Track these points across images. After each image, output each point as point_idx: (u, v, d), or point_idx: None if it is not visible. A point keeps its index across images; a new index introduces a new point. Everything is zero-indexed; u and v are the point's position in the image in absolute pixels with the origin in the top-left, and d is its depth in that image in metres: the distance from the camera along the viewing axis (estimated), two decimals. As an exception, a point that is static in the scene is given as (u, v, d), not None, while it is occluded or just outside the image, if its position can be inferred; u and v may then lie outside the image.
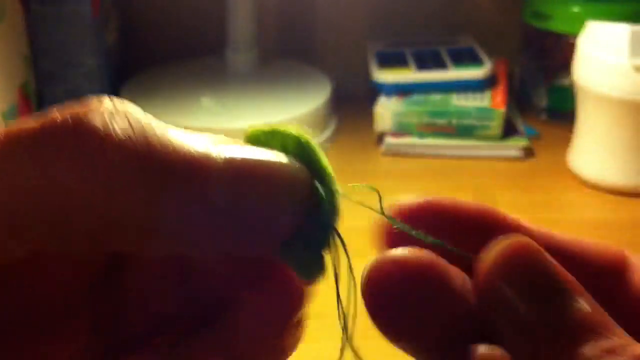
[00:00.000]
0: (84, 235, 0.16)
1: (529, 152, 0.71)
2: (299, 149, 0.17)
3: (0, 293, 0.17)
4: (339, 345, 0.50)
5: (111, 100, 0.16)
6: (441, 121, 0.71)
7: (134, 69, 0.79)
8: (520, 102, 0.79)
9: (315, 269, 0.18)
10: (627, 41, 0.61)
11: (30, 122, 0.16)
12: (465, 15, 0.86)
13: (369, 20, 0.85)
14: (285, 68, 0.79)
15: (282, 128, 0.17)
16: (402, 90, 0.73)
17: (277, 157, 0.17)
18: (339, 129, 0.75)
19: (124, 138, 0.16)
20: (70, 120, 0.16)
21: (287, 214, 0.17)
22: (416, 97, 0.73)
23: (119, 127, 0.16)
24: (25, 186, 0.15)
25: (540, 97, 0.78)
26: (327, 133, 0.73)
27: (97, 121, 0.16)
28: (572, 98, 0.68)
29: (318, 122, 0.72)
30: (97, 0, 0.71)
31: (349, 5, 0.84)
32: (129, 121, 0.16)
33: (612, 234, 0.59)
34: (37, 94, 0.73)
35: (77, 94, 0.72)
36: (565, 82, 0.74)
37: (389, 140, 0.71)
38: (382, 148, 0.72)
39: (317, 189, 0.17)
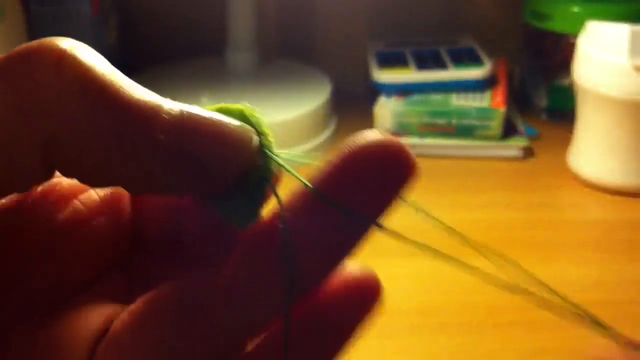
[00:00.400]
0: (31, 148, 0.17)
1: (529, 152, 0.71)
2: (244, 120, 0.19)
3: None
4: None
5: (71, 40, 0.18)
6: (441, 121, 0.71)
7: (134, 68, 0.79)
8: (520, 102, 0.79)
9: (249, 219, 0.19)
10: (627, 41, 0.61)
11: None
12: (465, 15, 0.86)
13: (369, 20, 0.85)
14: (285, 68, 0.79)
15: (226, 105, 0.19)
16: (402, 90, 0.73)
17: (226, 118, 0.19)
18: (339, 129, 0.75)
19: (83, 60, 0.17)
20: (36, 42, 0.17)
21: (232, 163, 0.18)
22: (416, 97, 0.73)
23: (81, 52, 0.17)
24: None
25: (540, 97, 0.78)
26: (327, 133, 0.73)
27: (60, 42, 0.17)
28: (572, 98, 0.68)
29: (318, 122, 0.72)
30: None
31: (349, 5, 0.84)
32: (93, 54, 0.17)
33: (611, 234, 0.59)
34: (37, 94, 0.72)
35: (77, 93, 0.72)
36: (565, 82, 0.74)
37: (389, 140, 0.71)
38: (382, 148, 0.72)
39: (259, 149, 0.19)
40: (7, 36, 0.65)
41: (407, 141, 0.71)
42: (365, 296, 0.20)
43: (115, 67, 0.18)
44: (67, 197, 0.20)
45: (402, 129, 0.72)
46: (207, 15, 0.82)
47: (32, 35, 0.70)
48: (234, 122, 0.19)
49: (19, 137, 0.17)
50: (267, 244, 0.18)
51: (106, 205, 0.20)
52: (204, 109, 0.19)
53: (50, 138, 0.17)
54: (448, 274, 0.55)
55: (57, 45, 0.17)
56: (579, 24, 0.67)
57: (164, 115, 0.17)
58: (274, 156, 0.19)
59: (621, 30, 0.62)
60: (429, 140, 0.71)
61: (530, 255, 0.56)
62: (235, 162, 0.18)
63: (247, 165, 0.19)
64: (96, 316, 0.19)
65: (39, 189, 0.20)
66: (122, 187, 0.18)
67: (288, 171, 0.19)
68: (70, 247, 0.20)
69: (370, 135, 0.18)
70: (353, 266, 0.20)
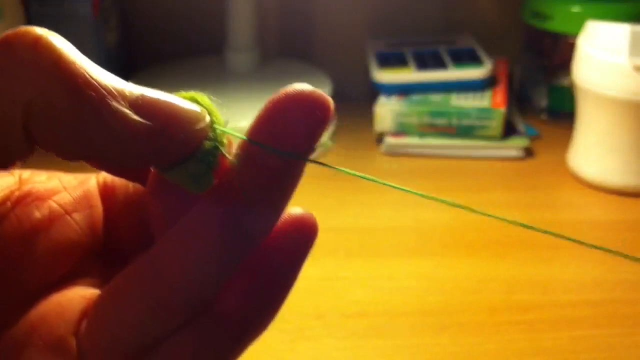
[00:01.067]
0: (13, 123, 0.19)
1: (529, 152, 0.71)
2: (196, 103, 0.22)
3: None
4: (339, 345, 0.50)
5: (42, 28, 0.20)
6: (441, 121, 0.71)
7: (134, 69, 0.79)
8: (520, 102, 0.79)
9: (206, 183, 0.21)
10: (627, 41, 0.61)
11: None
12: (465, 15, 0.86)
13: (369, 20, 0.85)
14: (285, 68, 0.79)
15: (182, 93, 0.22)
16: (402, 90, 0.73)
17: (182, 100, 0.21)
18: (339, 129, 0.75)
19: (57, 44, 0.19)
20: (13, 29, 0.19)
21: (187, 137, 0.20)
22: (416, 97, 0.73)
23: (55, 38, 0.19)
24: None
25: (540, 97, 0.78)
26: (327, 133, 0.73)
27: (36, 29, 0.19)
28: (572, 98, 0.68)
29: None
30: (97, 0, 0.71)
31: (349, 5, 0.84)
32: (65, 42, 0.20)
33: (612, 234, 0.59)
34: (37, 94, 0.73)
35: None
36: (565, 82, 0.74)
37: (389, 140, 0.71)
38: (382, 148, 0.72)
39: (210, 125, 0.22)
40: (7, 36, 0.65)
41: (407, 141, 0.71)
42: (305, 231, 0.23)
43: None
44: (42, 198, 0.22)
45: (402, 129, 0.72)
46: (207, 15, 0.82)
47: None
48: (188, 103, 0.21)
49: (2, 103, 0.19)
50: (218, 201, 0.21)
51: (79, 202, 0.23)
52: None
53: (28, 104, 0.19)
54: (448, 274, 0.55)
55: (34, 30, 0.19)
56: (579, 24, 0.67)
57: (125, 94, 0.20)
58: (222, 128, 0.22)
59: (621, 30, 0.62)
60: (429, 141, 0.71)
61: (530, 255, 0.56)
62: (190, 136, 0.20)
63: (200, 138, 0.21)
64: (78, 298, 0.21)
65: (16, 193, 0.22)
66: (91, 161, 0.20)
67: (235, 136, 0.22)
68: (48, 241, 0.22)
69: (293, 86, 0.21)
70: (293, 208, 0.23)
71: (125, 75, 0.19)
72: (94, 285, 0.22)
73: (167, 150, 0.20)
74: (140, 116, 0.19)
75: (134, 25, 0.83)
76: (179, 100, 0.21)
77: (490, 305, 0.50)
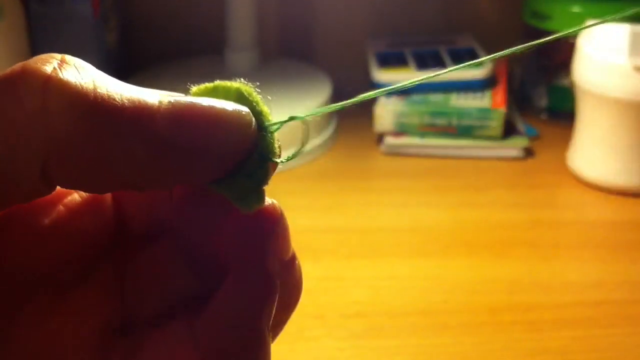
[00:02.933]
0: (28, 164, 0.17)
1: (528, 152, 0.71)
2: (241, 99, 0.19)
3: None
4: (339, 345, 0.50)
5: (62, 55, 0.18)
6: (441, 121, 0.71)
7: (134, 69, 0.79)
8: (520, 102, 0.79)
9: (254, 201, 0.20)
10: (627, 41, 0.61)
11: None
12: (465, 15, 0.86)
13: (369, 20, 0.85)
14: (285, 68, 0.79)
15: (223, 83, 0.20)
16: (402, 90, 0.73)
17: (220, 102, 0.19)
18: (339, 129, 0.75)
19: (70, 81, 0.17)
20: (19, 67, 0.17)
21: (230, 148, 0.19)
22: (416, 97, 0.72)
23: (66, 73, 0.17)
24: None
25: (540, 97, 0.78)
26: (327, 133, 0.73)
27: (44, 66, 0.17)
28: (572, 98, 0.68)
29: (318, 122, 0.72)
30: (97, 0, 0.71)
31: (349, 5, 0.84)
32: (77, 70, 0.18)
33: (612, 234, 0.59)
34: (37, 94, 0.72)
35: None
36: (565, 82, 0.74)
37: (389, 140, 0.71)
38: (382, 148, 0.72)
39: (257, 129, 0.19)
40: (7, 36, 0.65)
41: (407, 141, 0.71)
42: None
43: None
44: (53, 202, 0.21)
45: (402, 129, 0.72)
46: (207, 15, 0.82)
47: (32, 36, 0.70)
48: (229, 106, 0.19)
49: (16, 162, 0.17)
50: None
51: (89, 205, 0.21)
52: (200, 90, 0.19)
53: (45, 160, 0.17)
54: (448, 274, 0.55)
55: (41, 69, 0.17)
56: (578, 24, 0.67)
57: (155, 108, 0.18)
58: (272, 135, 0.19)
59: (621, 30, 0.62)
60: (429, 141, 0.71)
61: (530, 255, 0.56)
62: (234, 147, 0.19)
63: (246, 148, 0.19)
64: (93, 307, 0.21)
65: None
66: (127, 189, 0.19)
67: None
68: (59, 245, 0.21)
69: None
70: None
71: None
72: (105, 288, 0.21)
73: (207, 168, 0.19)
74: (176, 131, 0.18)
75: (134, 25, 0.83)
76: (218, 103, 0.19)
77: (491, 305, 0.50)
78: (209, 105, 0.19)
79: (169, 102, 0.18)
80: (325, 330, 0.48)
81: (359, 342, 0.47)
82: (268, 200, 0.20)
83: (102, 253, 0.22)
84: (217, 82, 0.20)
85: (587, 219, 0.62)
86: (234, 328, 0.20)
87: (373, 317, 0.49)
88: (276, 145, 0.20)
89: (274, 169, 0.20)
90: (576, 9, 0.73)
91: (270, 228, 0.20)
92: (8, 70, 0.18)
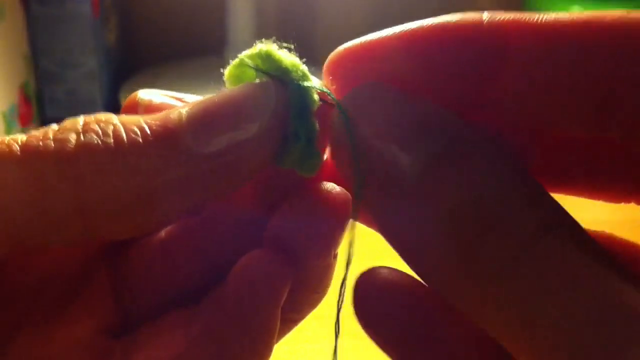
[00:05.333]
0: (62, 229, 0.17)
1: (529, 152, 0.71)
2: (265, 61, 0.19)
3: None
4: (339, 344, 0.50)
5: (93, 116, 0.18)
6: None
7: (134, 69, 0.79)
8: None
9: (313, 160, 0.19)
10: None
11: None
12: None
13: (369, 19, 0.85)
14: (286, 68, 0.79)
15: (244, 56, 0.19)
16: (402, 91, 0.73)
17: (231, 90, 0.18)
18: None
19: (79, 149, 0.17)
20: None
21: (263, 129, 0.18)
22: (416, 97, 0.72)
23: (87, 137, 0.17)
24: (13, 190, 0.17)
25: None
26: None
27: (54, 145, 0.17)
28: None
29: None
30: (97, 0, 0.71)
31: (348, 5, 0.84)
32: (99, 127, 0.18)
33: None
34: (37, 94, 0.73)
35: (77, 93, 0.72)
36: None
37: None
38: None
39: (288, 90, 0.19)
40: (7, 36, 0.65)
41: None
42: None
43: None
44: None
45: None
46: (207, 15, 0.82)
47: (32, 35, 0.70)
48: (243, 90, 0.18)
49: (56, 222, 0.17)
50: None
51: None
52: (229, 71, 0.19)
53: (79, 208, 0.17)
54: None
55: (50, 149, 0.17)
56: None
57: (176, 124, 0.18)
58: (304, 87, 0.19)
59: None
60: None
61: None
62: (268, 123, 0.18)
63: (281, 117, 0.18)
64: (89, 311, 0.21)
65: None
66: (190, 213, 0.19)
67: (323, 91, 0.19)
68: (51, 258, 0.21)
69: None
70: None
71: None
72: (100, 282, 0.21)
73: (250, 158, 0.18)
74: (206, 138, 0.18)
75: (134, 25, 0.83)
76: (231, 91, 0.18)
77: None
78: (223, 99, 0.18)
79: (186, 114, 0.18)
80: (325, 331, 0.48)
81: (359, 342, 0.47)
82: (338, 190, 0.20)
83: (94, 256, 0.22)
84: (240, 57, 0.19)
85: (587, 220, 0.62)
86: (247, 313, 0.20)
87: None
88: (313, 95, 0.19)
89: (326, 121, 0.19)
90: (576, 9, 0.73)
91: (343, 216, 0.20)
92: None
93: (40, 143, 0.17)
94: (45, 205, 0.17)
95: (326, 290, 0.22)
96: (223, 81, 0.20)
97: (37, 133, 0.18)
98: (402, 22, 0.21)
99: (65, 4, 0.70)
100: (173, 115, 0.18)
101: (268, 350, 0.20)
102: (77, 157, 0.17)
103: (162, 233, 0.22)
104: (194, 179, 0.18)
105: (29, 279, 0.20)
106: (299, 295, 0.22)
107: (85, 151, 0.17)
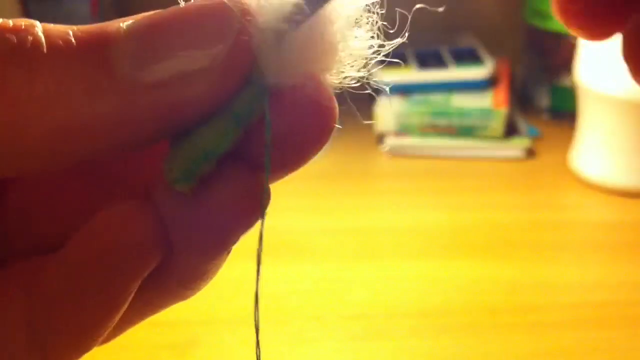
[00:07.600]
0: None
1: (530, 152, 0.71)
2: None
3: None
4: (338, 346, 0.50)
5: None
6: (442, 121, 0.71)
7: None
8: (521, 102, 0.79)
9: (203, 170, 0.16)
10: (629, 41, 0.61)
11: None
12: (466, 15, 0.85)
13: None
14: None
15: None
16: (403, 90, 0.73)
17: (187, 4, 0.15)
18: (339, 129, 0.74)
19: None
20: None
21: (218, 62, 0.15)
22: (417, 97, 0.72)
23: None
24: None
25: (542, 97, 0.77)
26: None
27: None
28: (573, 98, 0.68)
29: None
30: (96, 0, 0.71)
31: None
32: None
33: (613, 235, 0.59)
34: (36, 94, 0.72)
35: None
36: (567, 82, 0.74)
37: (390, 140, 0.71)
38: (383, 148, 0.71)
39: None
40: (5, 36, 0.65)
41: (408, 141, 0.71)
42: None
43: None
44: None
45: (403, 129, 0.71)
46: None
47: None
48: (201, 6, 0.15)
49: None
50: None
51: None
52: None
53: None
54: (448, 275, 0.54)
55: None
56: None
57: (111, 42, 0.14)
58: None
59: (623, 30, 0.62)
60: (430, 141, 0.71)
61: (532, 256, 0.56)
62: (225, 56, 0.15)
63: (242, 56, 0.15)
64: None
65: None
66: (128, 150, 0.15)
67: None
68: None
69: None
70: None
71: None
72: None
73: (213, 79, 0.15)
74: (143, 62, 0.14)
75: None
76: (185, 7, 0.15)
77: (491, 306, 0.50)
78: (174, 9, 0.15)
79: (127, 24, 0.15)
80: (325, 332, 0.48)
81: (359, 343, 0.47)
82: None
83: None
84: None
85: (588, 220, 0.62)
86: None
87: (373, 318, 0.49)
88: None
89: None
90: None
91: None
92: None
93: None
94: None
95: (200, 289, 0.19)
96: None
97: None
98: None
99: (63, 4, 0.69)
100: (111, 27, 0.15)
101: (106, 320, 0.16)
102: None
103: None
104: (124, 114, 0.14)
105: None
106: (170, 284, 0.18)
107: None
